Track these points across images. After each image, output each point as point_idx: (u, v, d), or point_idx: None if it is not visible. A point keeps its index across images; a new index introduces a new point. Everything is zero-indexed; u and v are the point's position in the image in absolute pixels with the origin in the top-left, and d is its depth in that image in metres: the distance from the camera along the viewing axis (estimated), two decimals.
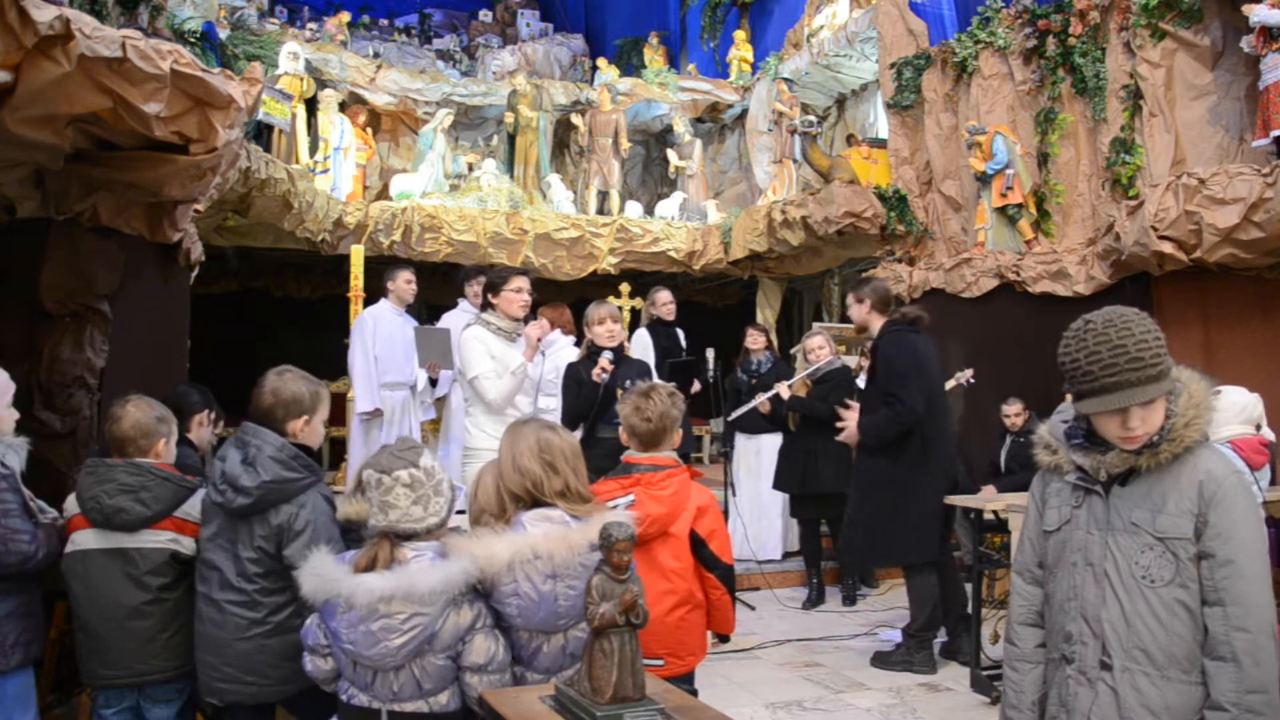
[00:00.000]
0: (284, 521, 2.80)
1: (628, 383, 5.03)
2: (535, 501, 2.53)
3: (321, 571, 2.41)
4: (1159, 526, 1.90)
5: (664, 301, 7.04)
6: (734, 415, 6.65)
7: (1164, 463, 1.91)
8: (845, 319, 9.72)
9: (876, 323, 5.05)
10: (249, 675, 2.82)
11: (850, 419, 5.09)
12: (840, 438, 5.23)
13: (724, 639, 3.11)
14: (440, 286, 10.53)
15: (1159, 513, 1.91)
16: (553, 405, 5.14)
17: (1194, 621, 1.89)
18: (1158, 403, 1.89)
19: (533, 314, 5.18)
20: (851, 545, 5.22)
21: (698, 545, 2.93)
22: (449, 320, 6.55)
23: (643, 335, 6.99)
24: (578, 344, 5.47)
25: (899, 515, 4.87)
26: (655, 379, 6.33)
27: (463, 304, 6.67)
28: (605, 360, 4.74)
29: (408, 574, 2.34)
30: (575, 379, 4.84)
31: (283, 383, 2.93)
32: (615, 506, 2.69)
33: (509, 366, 4.60)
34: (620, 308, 9.12)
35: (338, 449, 9.27)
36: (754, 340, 6.84)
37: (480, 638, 2.40)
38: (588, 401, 4.75)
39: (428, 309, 10.10)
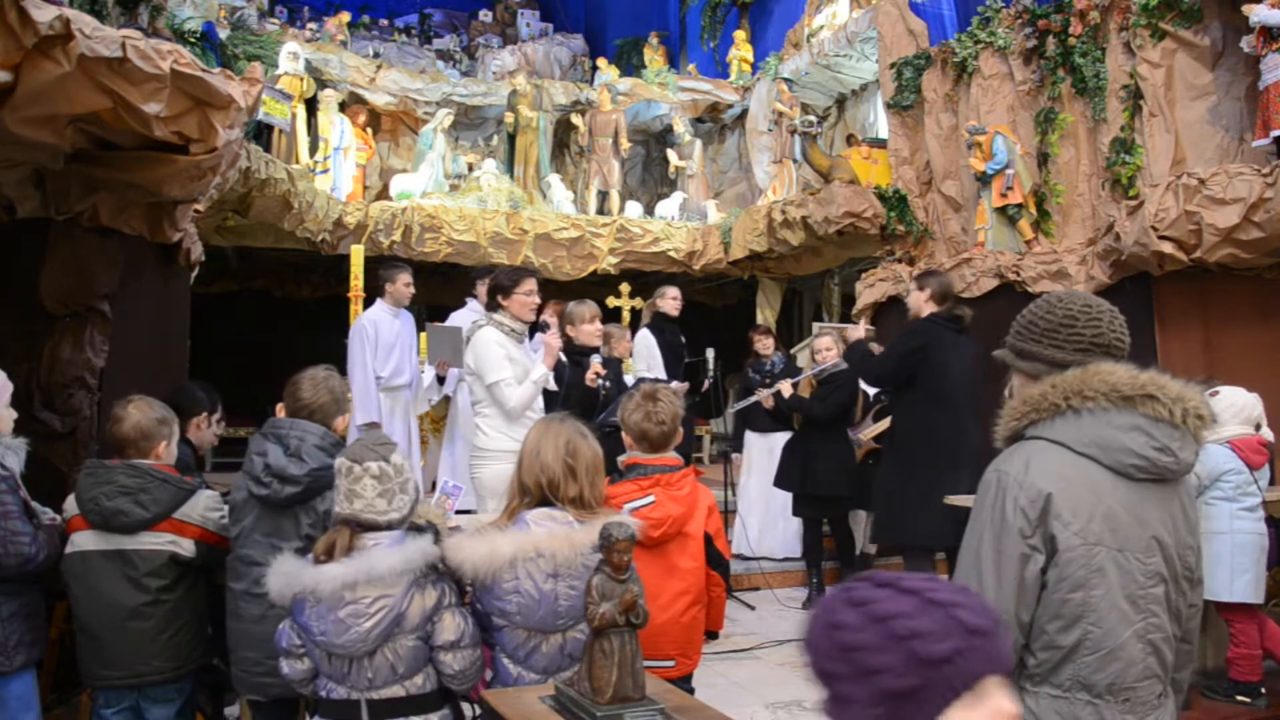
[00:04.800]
0: (330, 507, 2.82)
1: (606, 383, 5.01)
2: (544, 500, 2.54)
3: (285, 569, 2.44)
4: None
5: (674, 295, 7.07)
6: (737, 407, 6.73)
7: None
8: (846, 319, 9.77)
9: (925, 312, 5.14)
10: None
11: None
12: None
13: (714, 635, 3.14)
14: (440, 287, 10.53)
15: None
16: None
17: None
18: (1013, 373, 2.01)
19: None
20: (876, 522, 5.59)
21: (707, 543, 2.95)
22: (457, 319, 6.51)
23: (646, 336, 6.96)
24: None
25: (895, 496, 5.13)
26: (647, 376, 6.37)
27: (471, 303, 6.59)
28: (597, 364, 4.72)
29: (367, 558, 2.38)
30: (563, 382, 4.79)
31: (331, 380, 3.04)
32: (637, 508, 2.69)
33: (526, 370, 4.51)
34: (620, 308, 9.14)
35: None
36: (764, 345, 6.91)
37: (448, 615, 2.44)
38: (588, 408, 4.69)
39: (427, 309, 10.10)
